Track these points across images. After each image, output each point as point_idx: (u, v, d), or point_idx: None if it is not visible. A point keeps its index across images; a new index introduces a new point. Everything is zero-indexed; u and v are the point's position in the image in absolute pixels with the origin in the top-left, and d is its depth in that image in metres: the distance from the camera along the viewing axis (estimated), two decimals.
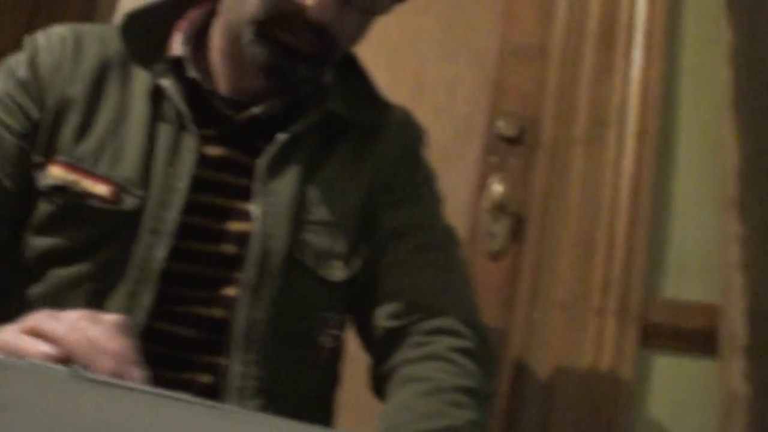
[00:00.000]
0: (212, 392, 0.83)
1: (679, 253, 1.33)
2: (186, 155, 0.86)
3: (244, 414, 0.44)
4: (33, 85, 0.88)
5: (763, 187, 1.23)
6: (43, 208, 0.85)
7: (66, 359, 0.61)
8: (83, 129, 0.87)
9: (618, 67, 1.39)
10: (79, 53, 0.90)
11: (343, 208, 0.92)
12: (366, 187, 0.94)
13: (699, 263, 1.32)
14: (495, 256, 1.46)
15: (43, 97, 0.88)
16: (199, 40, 0.94)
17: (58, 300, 0.82)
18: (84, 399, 0.42)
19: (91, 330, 0.63)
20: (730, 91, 1.31)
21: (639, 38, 1.39)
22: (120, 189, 0.84)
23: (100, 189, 0.84)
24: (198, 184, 0.86)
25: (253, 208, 0.87)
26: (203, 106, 0.89)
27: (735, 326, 1.20)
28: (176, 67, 0.89)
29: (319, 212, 0.90)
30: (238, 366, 0.83)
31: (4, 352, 0.62)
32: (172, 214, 0.84)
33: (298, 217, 0.88)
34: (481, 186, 1.49)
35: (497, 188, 1.45)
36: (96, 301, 0.82)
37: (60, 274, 0.84)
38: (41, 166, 0.86)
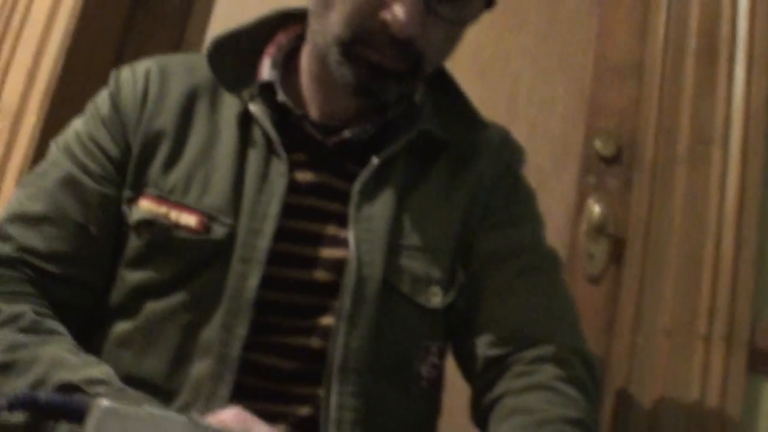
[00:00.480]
0: (311, 425, 0.81)
1: None
2: (276, 181, 0.85)
3: None
4: (115, 122, 0.89)
5: None
6: (134, 242, 0.85)
7: None
8: (172, 159, 0.87)
9: (720, 82, 1.34)
10: (165, 84, 0.91)
11: (439, 231, 0.90)
12: (463, 209, 0.92)
13: None
14: (594, 280, 1.42)
15: (125, 133, 0.88)
16: (288, 64, 0.94)
17: (152, 334, 0.82)
18: None
19: None
20: None
21: (741, 53, 1.34)
22: (208, 218, 0.84)
23: (189, 219, 0.84)
24: (289, 210, 0.85)
25: (348, 234, 0.85)
26: (293, 131, 0.89)
27: None
28: (265, 92, 0.89)
29: (415, 237, 0.88)
30: (335, 397, 0.81)
31: None
32: (264, 242, 0.83)
33: (394, 243, 0.87)
34: (579, 207, 1.45)
35: (595, 209, 1.41)
36: (190, 334, 0.82)
37: (154, 307, 0.83)
38: (131, 201, 0.86)
